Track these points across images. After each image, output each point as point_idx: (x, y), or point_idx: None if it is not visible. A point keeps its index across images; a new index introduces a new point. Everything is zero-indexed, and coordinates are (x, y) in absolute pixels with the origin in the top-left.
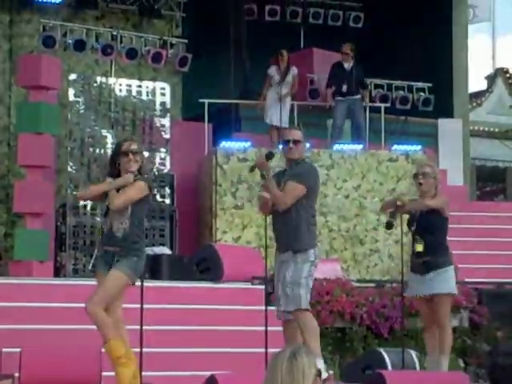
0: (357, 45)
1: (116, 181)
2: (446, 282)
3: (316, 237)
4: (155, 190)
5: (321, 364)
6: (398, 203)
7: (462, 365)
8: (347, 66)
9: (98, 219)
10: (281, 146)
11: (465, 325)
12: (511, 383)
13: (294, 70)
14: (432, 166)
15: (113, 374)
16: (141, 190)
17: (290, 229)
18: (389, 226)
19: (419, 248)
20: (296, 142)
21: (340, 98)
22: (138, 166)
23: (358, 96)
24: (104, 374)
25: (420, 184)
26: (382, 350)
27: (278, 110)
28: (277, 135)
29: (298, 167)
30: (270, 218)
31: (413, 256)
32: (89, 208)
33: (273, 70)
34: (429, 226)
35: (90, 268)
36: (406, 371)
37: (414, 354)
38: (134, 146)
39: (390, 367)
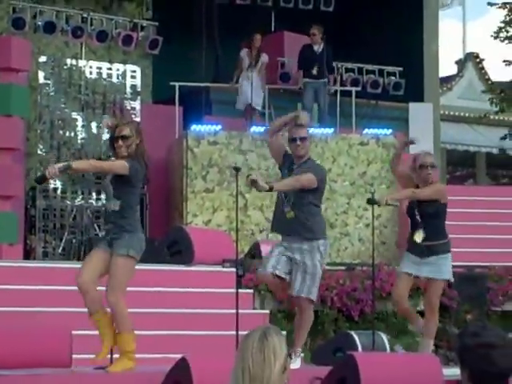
0: (328, 28)
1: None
2: (446, 267)
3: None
4: None
5: (298, 353)
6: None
7: (432, 347)
8: (317, 48)
9: (69, 202)
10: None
11: None
12: (479, 363)
13: (264, 57)
14: (432, 155)
15: (84, 356)
16: (119, 166)
17: (303, 218)
18: (371, 201)
19: (418, 238)
20: (302, 139)
21: (308, 80)
22: (130, 150)
23: (324, 80)
24: (75, 356)
25: (429, 174)
26: (352, 333)
27: (249, 93)
28: (250, 116)
29: (306, 165)
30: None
31: (413, 241)
32: (59, 192)
33: (244, 53)
34: (430, 213)
35: (59, 251)
36: (377, 353)
37: (384, 336)
38: (125, 132)
39: (360, 349)
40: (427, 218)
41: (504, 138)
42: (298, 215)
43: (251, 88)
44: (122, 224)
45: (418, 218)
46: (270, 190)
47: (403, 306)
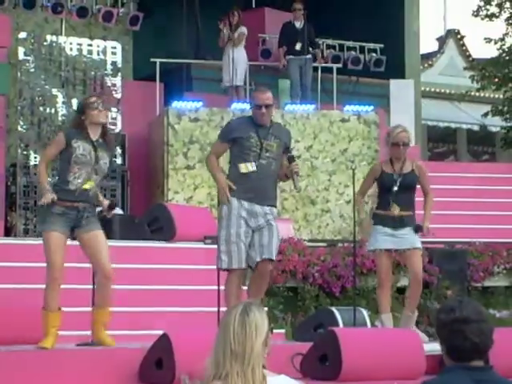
0: (308, 4)
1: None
2: (417, 237)
3: None
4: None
5: None
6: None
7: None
8: (299, 24)
9: (50, 179)
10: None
11: None
12: (454, 339)
13: (241, 29)
14: (406, 131)
15: (66, 333)
16: None
17: (274, 186)
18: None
19: (396, 211)
20: (268, 106)
21: (292, 56)
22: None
23: (309, 56)
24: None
25: (401, 153)
26: (333, 309)
27: (230, 70)
28: (237, 93)
29: (278, 129)
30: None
31: (384, 212)
32: None
33: (222, 27)
34: (411, 185)
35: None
36: (358, 328)
37: (365, 312)
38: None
39: (341, 325)
40: (405, 190)
41: (486, 114)
42: (273, 180)
43: (232, 65)
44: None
45: (395, 188)
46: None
47: (387, 293)
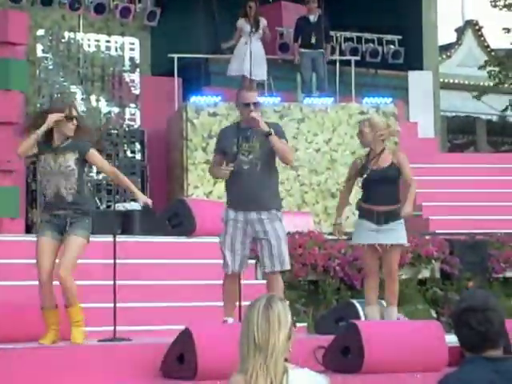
0: None
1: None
2: (403, 232)
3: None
4: (125, 145)
5: None
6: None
7: (434, 315)
8: (312, 18)
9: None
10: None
11: (436, 275)
12: (462, 329)
13: (263, 21)
14: (369, 119)
15: (90, 329)
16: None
17: (267, 188)
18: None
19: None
20: (256, 104)
21: (303, 50)
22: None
23: (322, 50)
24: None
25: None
26: (354, 302)
27: (248, 61)
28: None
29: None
30: None
31: (365, 204)
32: None
33: (241, 22)
34: (387, 178)
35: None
36: (380, 321)
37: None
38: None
39: (362, 318)
40: (385, 183)
41: (505, 109)
42: (266, 182)
43: (250, 57)
44: (83, 210)
45: (372, 182)
46: (268, 135)
47: (375, 285)
